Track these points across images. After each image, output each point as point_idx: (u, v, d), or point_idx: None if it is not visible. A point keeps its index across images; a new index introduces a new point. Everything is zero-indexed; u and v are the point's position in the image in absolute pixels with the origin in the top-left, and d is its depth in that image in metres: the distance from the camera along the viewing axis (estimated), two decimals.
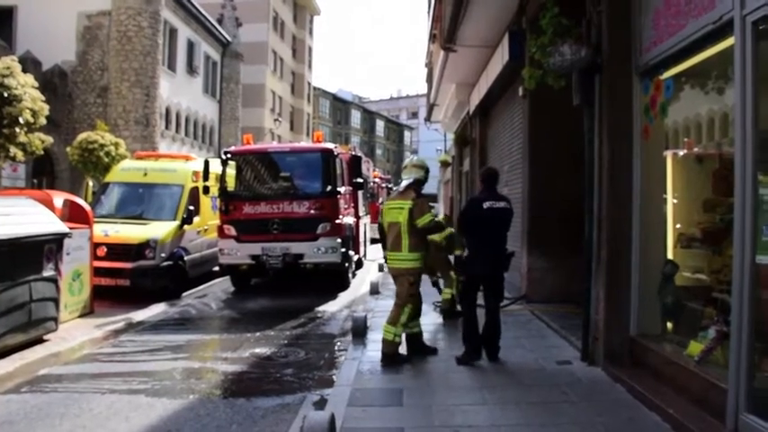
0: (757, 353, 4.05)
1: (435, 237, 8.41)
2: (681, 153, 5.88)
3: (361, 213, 15.78)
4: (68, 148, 20.34)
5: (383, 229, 6.68)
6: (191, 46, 34.26)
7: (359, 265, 15.54)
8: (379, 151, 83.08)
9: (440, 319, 8.92)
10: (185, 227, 12.48)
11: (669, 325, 5.77)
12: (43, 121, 15.26)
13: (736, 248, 4.10)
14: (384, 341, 6.48)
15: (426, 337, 7.99)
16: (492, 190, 6.68)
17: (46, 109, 15.31)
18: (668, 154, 5.88)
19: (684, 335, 5.31)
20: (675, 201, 5.85)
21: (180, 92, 32.46)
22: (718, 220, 5.08)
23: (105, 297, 10.59)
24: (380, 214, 6.73)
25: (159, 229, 11.78)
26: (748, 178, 4.02)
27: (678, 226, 5.79)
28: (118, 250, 11.11)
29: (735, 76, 4.15)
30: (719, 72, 4.97)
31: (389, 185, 32.50)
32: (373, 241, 19.38)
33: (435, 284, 9.78)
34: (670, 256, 5.77)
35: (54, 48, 24.82)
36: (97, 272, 10.32)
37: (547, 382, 5.77)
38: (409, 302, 6.47)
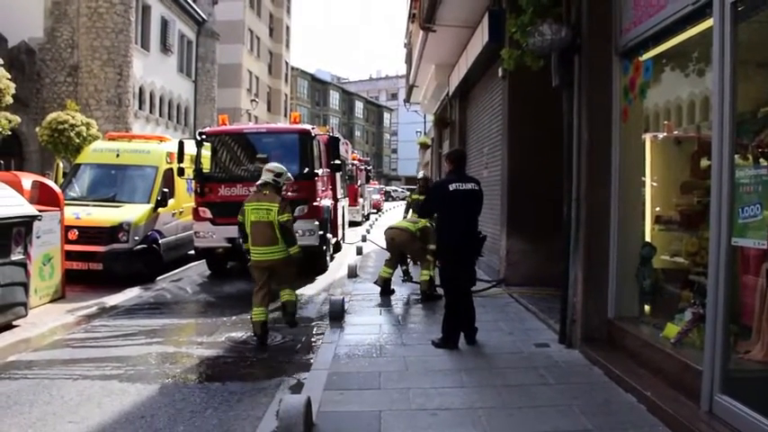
0: (732, 335, 4.09)
1: (410, 226, 9.18)
2: (660, 135, 5.88)
3: (339, 196, 15.66)
4: (37, 129, 19.88)
5: (244, 226, 7.29)
6: (164, 24, 33.63)
7: (337, 248, 15.46)
8: (357, 133, 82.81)
9: (416, 302, 8.93)
10: (159, 209, 12.29)
11: (647, 307, 5.81)
12: (9, 99, 14.88)
13: (712, 230, 4.12)
14: (289, 304, 7.62)
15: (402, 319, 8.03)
16: (459, 172, 6.63)
17: (12, 87, 14.93)
18: (647, 136, 5.88)
19: (661, 317, 5.35)
20: (654, 183, 5.86)
21: (154, 71, 31.91)
22: (696, 202, 5.10)
23: (77, 281, 10.41)
24: (241, 213, 7.32)
25: (133, 212, 11.57)
26: (725, 161, 4.02)
27: (656, 208, 5.81)
28: (90, 233, 10.90)
29: (713, 59, 4.14)
30: (699, 54, 4.96)
31: (368, 168, 32.39)
32: (352, 224, 19.32)
33: (406, 273, 10.22)
34: (648, 238, 5.80)
35: (20, 24, 24.13)
36: (69, 256, 10.12)
37: (524, 365, 5.79)
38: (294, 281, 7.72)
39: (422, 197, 11.04)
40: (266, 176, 7.37)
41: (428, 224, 9.18)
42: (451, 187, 6.37)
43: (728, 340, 4.04)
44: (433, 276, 9.11)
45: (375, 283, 9.76)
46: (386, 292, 9.42)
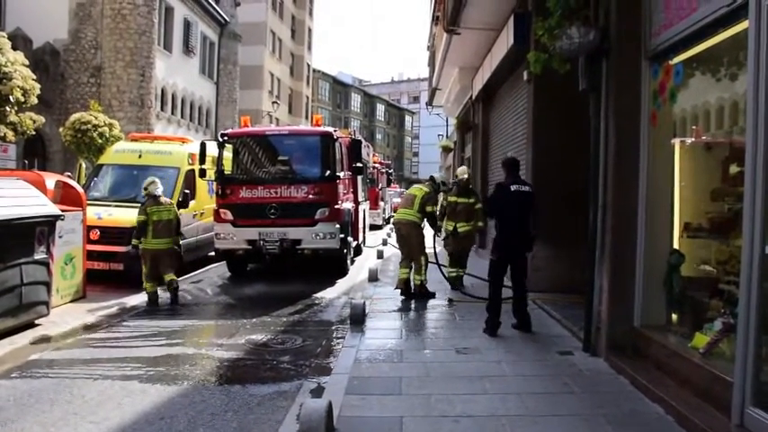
0: (765, 345, 3.96)
1: (410, 214, 9.36)
2: (689, 141, 5.75)
3: (360, 199, 15.63)
4: (61, 129, 20.07)
5: (146, 224, 9.42)
6: (187, 25, 33.89)
7: (358, 251, 15.41)
8: (379, 136, 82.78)
9: (437, 307, 8.86)
10: (181, 210, 12.27)
11: (674, 316, 5.69)
12: (34, 100, 15.04)
13: (745, 239, 4.02)
14: (172, 281, 9.57)
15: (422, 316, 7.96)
16: (517, 176, 7.35)
17: (37, 88, 15.07)
18: (676, 141, 5.76)
19: (689, 326, 5.25)
20: (682, 189, 5.73)
21: (176, 73, 32.16)
22: (727, 209, 4.99)
23: (98, 281, 10.47)
24: (147, 214, 9.39)
25: None
26: (759, 167, 3.92)
27: (685, 215, 5.68)
28: (111, 233, 10.96)
29: (748, 62, 4.04)
30: (731, 57, 4.84)
31: (389, 171, 32.33)
32: (372, 228, 19.27)
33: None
34: (676, 245, 5.68)
35: (45, 25, 24.41)
36: (90, 255, 10.18)
37: (548, 373, 5.71)
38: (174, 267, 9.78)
39: (461, 199, 10.02)
40: (159, 189, 9.65)
41: (426, 189, 9.47)
42: (513, 188, 7.14)
43: (761, 351, 3.92)
44: (424, 281, 9.34)
45: (396, 287, 9.70)
46: (407, 294, 9.38)
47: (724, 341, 4.58)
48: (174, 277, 9.70)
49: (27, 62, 15.12)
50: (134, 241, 9.64)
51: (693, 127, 5.69)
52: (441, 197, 10.31)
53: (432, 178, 9.84)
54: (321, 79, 69.59)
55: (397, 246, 10.59)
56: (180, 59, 33.07)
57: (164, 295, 10.45)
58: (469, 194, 10.17)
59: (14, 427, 4.70)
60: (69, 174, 18.06)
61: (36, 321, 7.91)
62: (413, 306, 8.99)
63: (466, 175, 10.23)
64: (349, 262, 13.18)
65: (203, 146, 12.53)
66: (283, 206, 11.67)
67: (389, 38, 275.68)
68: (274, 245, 11.63)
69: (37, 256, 7.82)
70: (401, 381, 5.48)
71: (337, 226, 11.88)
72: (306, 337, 7.55)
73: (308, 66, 60.53)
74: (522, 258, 7.29)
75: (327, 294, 10.65)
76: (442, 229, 10.19)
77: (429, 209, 9.39)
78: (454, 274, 10.10)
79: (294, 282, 11.84)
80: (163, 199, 9.69)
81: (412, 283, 9.44)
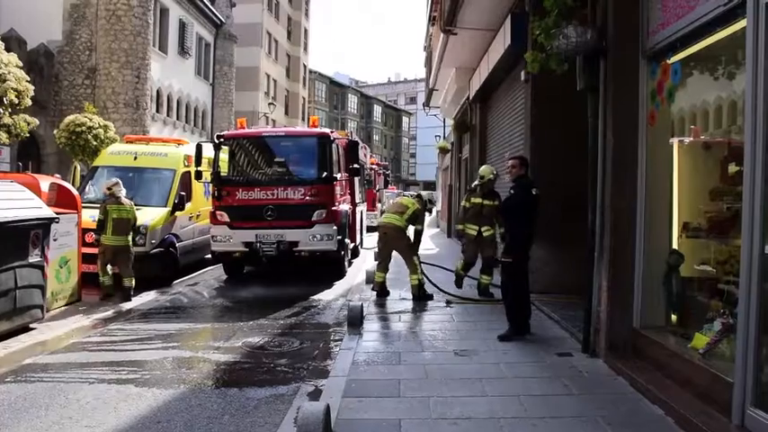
0: (765, 346, 3.94)
1: (397, 219, 9.37)
2: (687, 140, 5.73)
3: (357, 200, 15.58)
4: (55, 131, 19.97)
5: (105, 222, 9.95)
6: (182, 26, 33.82)
7: (355, 253, 15.36)
8: (376, 137, 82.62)
9: (435, 308, 8.83)
10: (177, 213, 12.28)
11: (673, 317, 5.66)
12: (28, 102, 14.99)
13: (744, 238, 4.00)
14: (128, 288, 10.07)
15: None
16: (528, 177, 7.18)
17: (31, 89, 15.02)
18: (674, 141, 5.74)
19: (689, 327, 5.22)
20: (681, 189, 5.70)
21: (171, 74, 32.09)
22: (726, 209, 4.96)
23: (94, 284, 10.39)
24: (106, 212, 9.93)
25: (150, 215, 11.56)
26: (758, 166, 3.90)
27: (684, 215, 5.65)
28: None
29: (746, 61, 4.02)
30: (729, 56, 4.83)
31: (387, 172, 32.27)
32: (370, 229, 19.24)
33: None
34: (675, 245, 5.65)
35: (39, 26, 24.35)
36: (85, 258, 10.12)
37: (547, 375, 5.67)
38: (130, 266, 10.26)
39: (487, 201, 9.27)
40: (123, 192, 10.22)
41: (418, 206, 9.44)
42: (534, 191, 6.98)
43: (761, 351, 3.90)
44: (422, 280, 9.34)
45: (372, 289, 9.86)
46: (383, 294, 9.55)
47: (724, 341, 4.55)
48: (131, 284, 10.15)
49: (21, 64, 15.07)
50: (95, 236, 10.14)
51: (692, 126, 5.67)
52: (427, 215, 10.21)
53: (419, 196, 10.01)
54: (317, 80, 69.47)
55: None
56: (175, 61, 33.00)
57: (161, 298, 10.45)
58: (494, 197, 9.35)
59: None
60: (59, 176, 18.04)
61: (31, 325, 7.86)
62: (410, 308, 8.95)
63: (492, 176, 9.36)
64: (346, 264, 13.14)
65: (199, 148, 12.47)
66: (280, 208, 11.62)
67: (386, 38, 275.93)
68: (271, 247, 11.58)
69: (31, 260, 7.77)
70: (399, 383, 5.44)
71: (334, 228, 11.84)
72: (303, 340, 7.51)
73: (305, 67, 60.44)
74: (528, 258, 7.27)
75: (325, 296, 10.61)
76: (464, 233, 9.78)
77: (418, 227, 9.57)
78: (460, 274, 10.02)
79: (291, 284, 11.79)
80: (124, 200, 10.19)
81: (410, 285, 9.46)
